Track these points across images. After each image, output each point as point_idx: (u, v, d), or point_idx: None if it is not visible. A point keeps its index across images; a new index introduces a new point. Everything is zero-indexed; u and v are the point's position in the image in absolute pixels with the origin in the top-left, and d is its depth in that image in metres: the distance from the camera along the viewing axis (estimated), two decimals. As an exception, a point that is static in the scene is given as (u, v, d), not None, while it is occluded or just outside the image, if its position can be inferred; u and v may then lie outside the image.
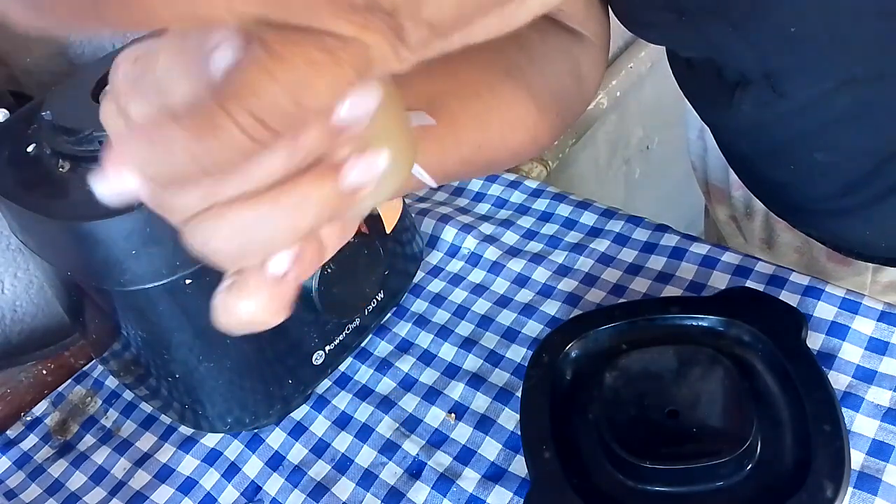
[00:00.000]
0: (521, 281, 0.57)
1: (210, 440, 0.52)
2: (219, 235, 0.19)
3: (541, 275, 0.57)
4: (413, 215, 0.62)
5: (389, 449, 0.49)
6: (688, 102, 0.57)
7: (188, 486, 0.50)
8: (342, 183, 0.19)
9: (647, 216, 0.60)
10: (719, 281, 0.53)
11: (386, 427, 0.50)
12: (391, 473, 0.48)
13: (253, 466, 0.50)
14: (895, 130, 0.43)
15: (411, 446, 0.49)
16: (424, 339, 0.55)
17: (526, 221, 0.62)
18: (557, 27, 0.45)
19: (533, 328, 0.54)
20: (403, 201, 0.56)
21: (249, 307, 0.21)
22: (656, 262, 0.56)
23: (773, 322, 0.46)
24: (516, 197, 0.65)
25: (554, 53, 0.44)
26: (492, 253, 0.60)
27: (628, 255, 0.57)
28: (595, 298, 0.55)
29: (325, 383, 0.54)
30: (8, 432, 0.56)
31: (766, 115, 0.45)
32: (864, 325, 0.48)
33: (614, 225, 0.60)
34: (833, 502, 0.38)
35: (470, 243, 0.61)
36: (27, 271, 0.60)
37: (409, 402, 0.51)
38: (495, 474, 0.46)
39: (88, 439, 0.55)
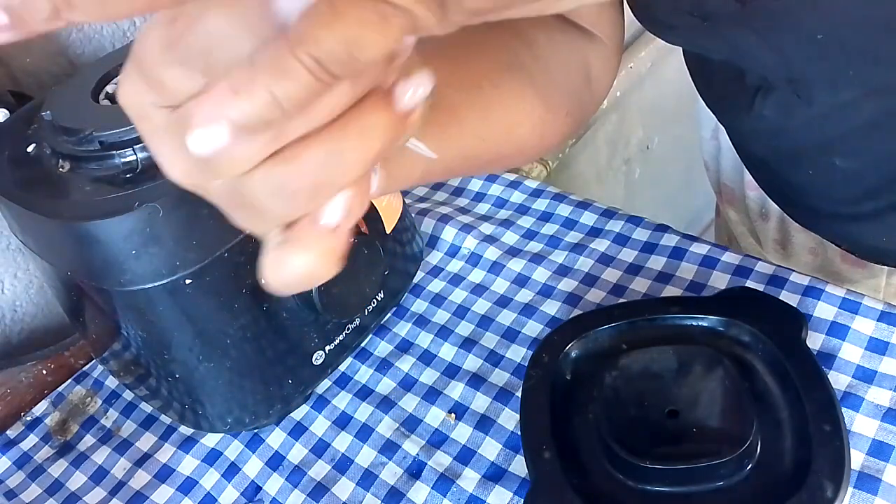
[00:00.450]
0: (521, 281, 0.57)
1: (210, 440, 0.52)
2: (293, 177, 0.20)
3: (541, 275, 0.57)
4: (413, 215, 0.62)
5: (389, 449, 0.49)
6: (700, 101, 0.57)
7: (188, 486, 0.50)
8: (397, 106, 0.21)
9: (647, 216, 0.60)
10: (719, 281, 0.53)
11: (386, 427, 0.50)
12: (391, 473, 0.48)
13: (253, 466, 0.50)
14: None
15: (411, 446, 0.49)
16: (424, 339, 0.55)
17: (526, 221, 0.62)
18: (568, 26, 0.45)
19: (533, 328, 0.54)
20: (403, 201, 0.56)
21: (306, 261, 0.22)
22: (656, 262, 0.56)
23: (773, 322, 0.46)
24: (516, 197, 0.65)
25: (562, 52, 0.44)
26: (492, 253, 0.60)
27: (628, 255, 0.57)
28: (595, 298, 0.55)
29: (325, 383, 0.54)
30: (8, 432, 0.56)
31: (788, 121, 0.45)
32: (864, 325, 0.48)
33: (614, 225, 0.60)
34: (833, 502, 0.38)
35: (470, 243, 0.61)
36: (27, 271, 0.60)
37: (409, 402, 0.51)
38: (495, 474, 0.46)
39: (88, 439, 0.55)
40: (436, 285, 0.59)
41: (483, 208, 0.65)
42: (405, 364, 0.54)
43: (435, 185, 0.69)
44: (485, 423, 0.49)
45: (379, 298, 0.54)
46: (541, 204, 0.64)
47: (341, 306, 0.49)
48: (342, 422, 0.52)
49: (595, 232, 0.60)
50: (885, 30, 0.37)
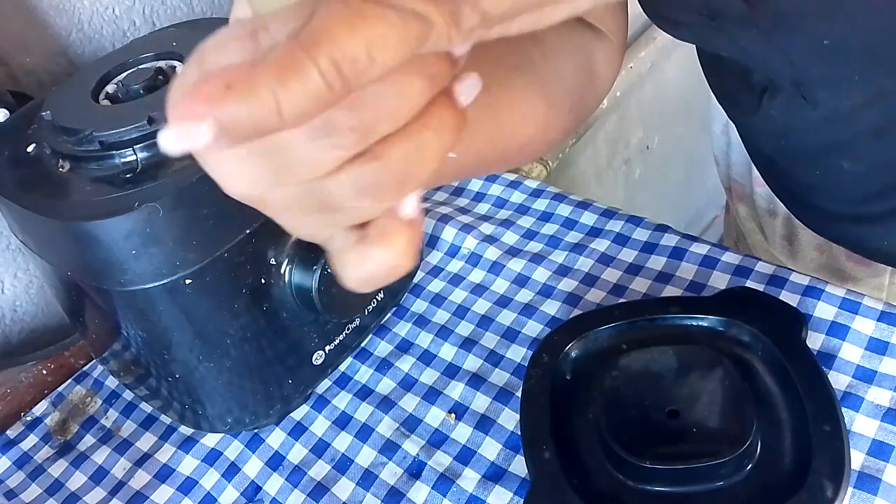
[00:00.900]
0: (521, 281, 0.57)
1: (210, 440, 0.52)
2: (382, 174, 0.20)
3: (541, 275, 0.57)
4: (413, 215, 0.61)
5: (389, 449, 0.49)
6: (712, 96, 0.57)
7: (188, 486, 0.50)
8: (460, 101, 0.22)
9: (647, 216, 0.60)
10: (719, 281, 0.53)
11: (386, 427, 0.50)
12: (391, 473, 0.48)
13: (253, 466, 0.50)
14: None
15: (411, 446, 0.49)
16: (424, 339, 0.55)
17: (526, 221, 0.62)
18: (576, 22, 0.45)
19: (533, 328, 0.54)
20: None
21: (390, 255, 0.22)
22: (656, 262, 0.56)
23: (773, 322, 0.46)
24: (516, 197, 0.65)
25: (568, 49, 0.44)
26: (492, 253, 0.60)
27: (628, 255, 0.57)
28: (595, 298, 0.55)
29: (325, 383, 0.54)
30: (8, 432, 0.56)
31: (795, 122, 0.45)
32: (864, 325, 0.48)
33: (614, 225, 0.60)
34: (833, 502, 0.38)
35: (470, 243, 0.61)
36: (27, 271, 0.60)
37: (409, 402, 0.51)
38: (495, 474, 0.46)
39: (88, 439, 0.55)
40: (436, 285, 0.59)
41: (483, 208, 0.65)
42: (405, 364, 0.54)
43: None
44: (485, 423, 0.49)
45: (379, 298, 0.54)
46: (541, 204, 0.64)
47: (341, 306, 0.48)
48: (342, 422, 0.52)
49: (595, 232, 0.60)
50: (890, 36, 0.37)
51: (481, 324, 0.55)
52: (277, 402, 0.50)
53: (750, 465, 0.41)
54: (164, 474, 0.51)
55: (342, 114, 0.19)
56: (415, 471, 0.48)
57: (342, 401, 0.53)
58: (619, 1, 0.46)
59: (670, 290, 0.54)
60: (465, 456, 0.48)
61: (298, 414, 0.52)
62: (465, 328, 0.55)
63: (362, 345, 0.56)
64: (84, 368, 0.60)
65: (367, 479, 0.48)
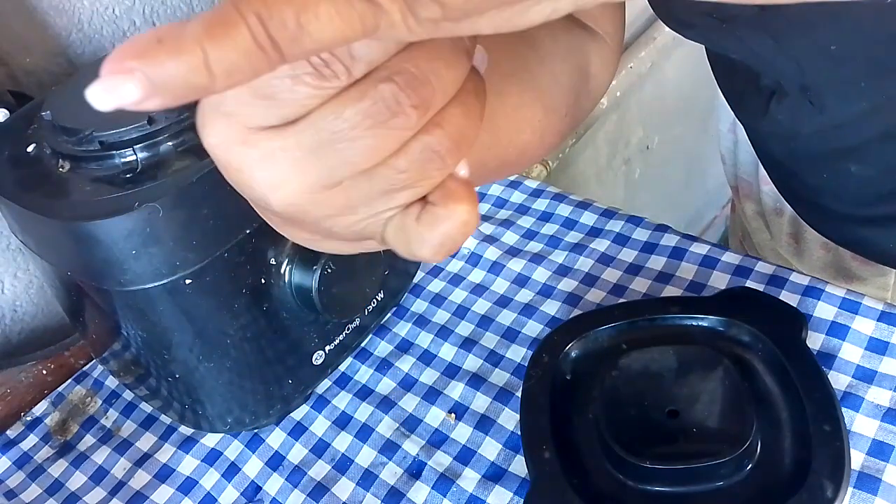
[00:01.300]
0: (521, 281, 0.57)
1: (210, 440, 0.52)
2: (445, 139, 0.22)
3: (541, 275, 0.57)
4: (413, 215, 0.61)
5: (389, 449, 0.49)
6: (720, 95, 0.57)
7: (188, 486, 0.50)
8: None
9: (647, 216, 0.60)
10: (719, 281, 0.53)
11: (386, 427, 0.50)
12: (391, 473, 0.48)
13: (253, 466, 0.50)
14: None
15: (411, 446, 0.49)
16: (424, 339, 0.55)
17: (526, 221, 0.62)
18: (571, 24, 0.45)
19: (533, 328, 0.54)
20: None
21: (459, 211, 0.23)
22: (656, 262, 0.56)
23: (773, 322, 0.46)
24: (516, 197, 0.65)
25: (564, 52, 0.44)
26: (492, 253, 0.60)
27: (628, 255, 0.57)
28: (595, 298, 0.55)
29: (325, 383, 0.54)
30: (8, 432, 0.56)
31: (802, 126, 0.45)
32: (864, 325, 0.48)
33: (614, 225, 0.60)
34: (833, 502, 0.38)
35: (470, 243, 0.61)
36: (27, 271, 0.60)
37: (409, 402, 0.51)
38: (495, 474, 0.46)
39: (88, 439, 0.55)
40: (436, 285, 0.59)
41: (483, 208, 0.65)
42: (405, 364, 0.54)
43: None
44: (485, 423, 0.49)
45: (379, 298, 0.54)
46: (541, 204, 0.64)
47: (341, 306, 0.48)
48: (342, 422, 0.52)
49: (595, 232, 0.60)
50: (892, 43, 0.37)
51: (481, 324, 0.55)
52: (277, 402, 0.50)
53: (750, 465, 0.41)
54: (164, 474, 0.51)
55: (403, 95, 0.20)
56: (415, 471, 0.48)
57: (342, 401, 0.53)
58: (615, 2, 0.46)
59: (670, 290, 0.54)
60: (465, 456, 0.48)
61: (298, 414, 0.52)
62: (465, 328, 0.55)
63: (362, 345, 0.56)
64: (84, 368, 0.60)
65: (367, 479, 0.48)
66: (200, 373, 0.46)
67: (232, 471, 0.50)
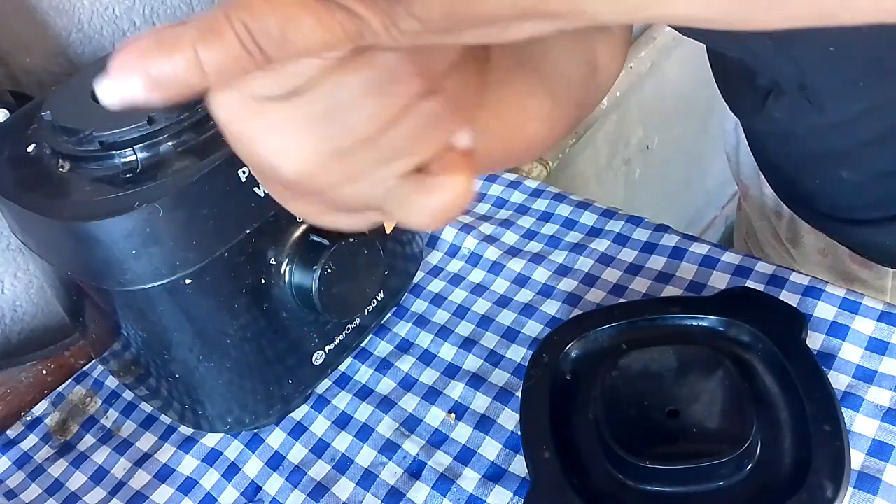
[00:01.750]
0: (521, 281, 0.57)
1: (210, 440, 0.52)
2: (444, 106, 0.23)
3: (541, 275, 0.57)
4: (413, 215, 0.61)
5: (389, 449, 0.49)
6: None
7: (188, 486, 0.50)
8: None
9: (647, 216, 0.60)
10: (719, 281, 0.53)
11: (386, 427, 0.50)
12: (391, 473, 0.48)
13: (253, 466, 0.50)
14: None
15: (411, 446, 0.49)
16: (424, 339, 0.55)
17: (526, 221, 0.62)
18: None
19: (533, 328, 0.54)
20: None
21: (456, 181, 0.24)
22: (656, 262, 0.56)
23: (773, 322, 0.46)
24: (516, 197, 0.65)
25: (571, 44, 0.44)
26: (492, 253, 0.60)
27: (628, 255, 0.57)
28: (595, 298, 0.55)
29: (325, 383, 0.54)
30: (8, 432, 0.56)
31: (798, 126, 0.45)
32: (864, 325, 0.48)
33: (614, 225, 0.60)
34: (833, 502, 0.38)
35: (470, 243, 0.61)
36: (27, 271, 0.60)
37: (409, 402, 0.51)
38: (495, 474, 0.46)
39: (88, 439, 0.55)
40: (436, 285, 0.59)
41: (483, 208, 0.65)
42: (405, 364, 0.54)
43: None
44: (485, 423, 0.49)
45: (379, 298, 0.54)
46: (541, 204, 0.64)
47: (341, 306, 0.48)
48: (342, 422, 0.52)
49: (595, 232, 0.60)
50: (890, 44, 0.37)
51: (481, 324, 0.55)
52: (277, 402, 0.50)
53: (750, 465, 0.41)
54: (164, 474, 0.51)
55: (405, 65, 0.21)
56: (415, 471, 0.48)
57: (342, 401, 0.53)
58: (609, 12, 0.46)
59: (670, 290, 0.54)
60: (465, 456, 0.48)
61: (298, 414, 0.52)
62: (465, 328, 0.55)
63: (362, 345, 0.56)
64: (84, 368, 0.60)
65: (367, 479, 0.48)
66: (200, 373, 0.46)
67: (232, 471, 0.50)
